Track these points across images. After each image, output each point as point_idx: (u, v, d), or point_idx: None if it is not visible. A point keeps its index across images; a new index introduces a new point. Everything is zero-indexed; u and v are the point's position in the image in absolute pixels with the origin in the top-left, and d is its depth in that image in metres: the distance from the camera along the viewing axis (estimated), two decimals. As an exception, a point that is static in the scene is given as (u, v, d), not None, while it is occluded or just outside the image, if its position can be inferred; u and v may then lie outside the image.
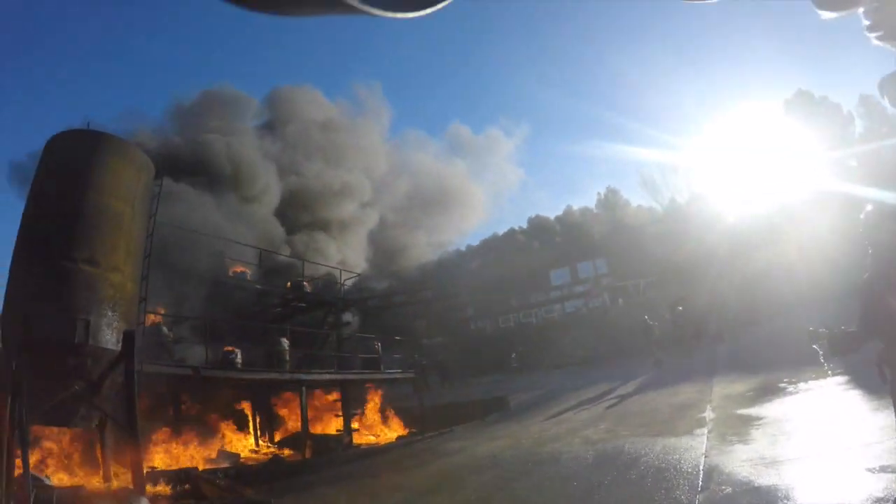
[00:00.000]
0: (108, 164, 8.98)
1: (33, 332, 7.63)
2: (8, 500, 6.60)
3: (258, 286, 16.96)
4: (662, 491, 6.14)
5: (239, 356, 15.29)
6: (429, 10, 0.71)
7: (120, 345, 8.53)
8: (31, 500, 6.86)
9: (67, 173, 8.73)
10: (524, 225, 50.35)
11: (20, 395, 7.16)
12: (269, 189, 28.40)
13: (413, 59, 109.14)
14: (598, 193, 50.50)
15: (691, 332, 20.95)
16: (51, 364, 7.82)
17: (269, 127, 34.84)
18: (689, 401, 12.04)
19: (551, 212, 56.18)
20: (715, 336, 22.08)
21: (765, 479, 5.68)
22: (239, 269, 17.61)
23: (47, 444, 9.33)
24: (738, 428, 8.45)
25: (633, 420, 11.16)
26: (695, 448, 7.73)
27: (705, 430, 8.80)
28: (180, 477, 9.60)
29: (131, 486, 8.07)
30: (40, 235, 8.41)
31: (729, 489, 5.65)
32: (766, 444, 7.05)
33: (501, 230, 51.66)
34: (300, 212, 30.04)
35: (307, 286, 19.00)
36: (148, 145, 22.52)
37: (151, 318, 12.79)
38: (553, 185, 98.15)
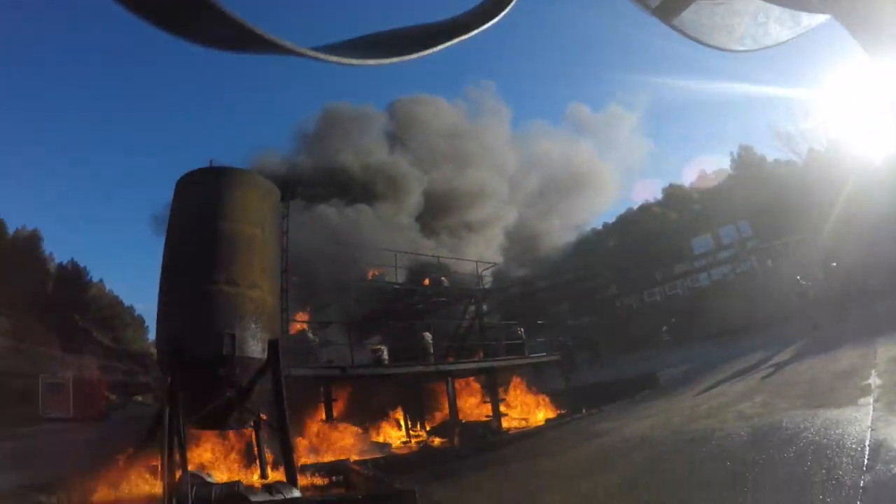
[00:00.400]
0: (234, 193, 9.82)
1: (185, 349, 8.64)
2: (171, 495, 7.56)
3: (396, 286, 17.61)
4: (823, 471, 5.50)
5: (385, 353, 16.15)
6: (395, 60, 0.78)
7: (266, 353, 9.33)
8: (192, 495, 7.78)
9: (200, 206, 9.70)
10: (659, 196, 47.69)
11: (175, 406, 8.27)
12: (408, 198, 29.45)
13: (513, 49, 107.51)
14: (731, 153, 46.15)
15: (849, 291, 18.34)
16: (203, 376, 8.77)
17: (395, 139, 36.03)
18: (852, 366, 10.74)
19: (685, 179, 52.48)
20: (875, 293, 19.17)
21: (941, 456, 4.80)
22: (377, 271, 18.50)
23: (212, 446, 10.54)
24: (906, 395, 7.31)
25: (790, 391, 10.14)
26: (859, 420, 6.84)
27: (871, 400, 7.79)
28: (333, 469, 10.25)
29: (283, 480, 8.81)
30: (183, 264, 9.44)
31: (900, 468, 4.88)
32: (943, 415, 5.98)
33: (636, 204, 49.32)
34: (439, 218, 30.85)
35: (445, 281, 19.46)
36: (278, 172, 24.33)
37: (297, 326, 13.93)
38: (683, 151, 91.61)
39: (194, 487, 7.90)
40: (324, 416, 12.92)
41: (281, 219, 11.30)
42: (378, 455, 12.11)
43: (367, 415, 14.65)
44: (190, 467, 9.39)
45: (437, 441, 14.51)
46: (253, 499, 7.69)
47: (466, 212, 32.11)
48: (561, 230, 40.08)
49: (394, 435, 15.00)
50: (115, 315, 43.86)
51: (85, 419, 24.75)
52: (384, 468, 10.51)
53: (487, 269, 21.13)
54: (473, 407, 17.68)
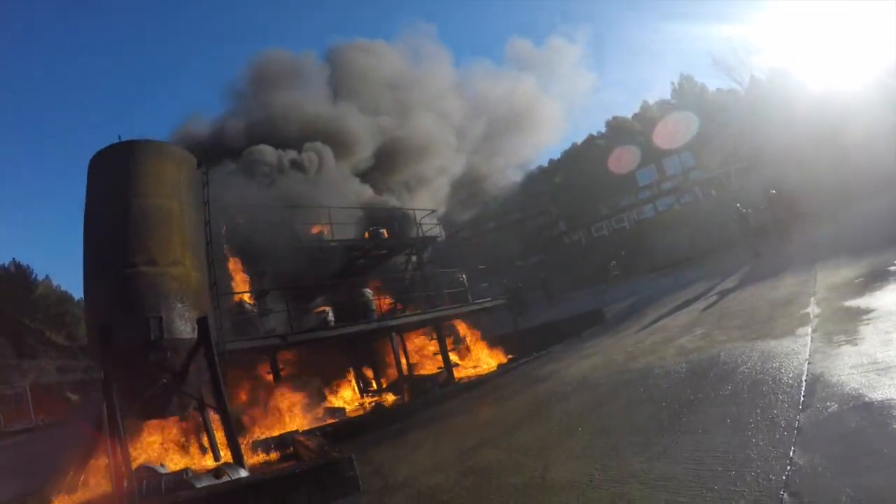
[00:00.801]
0: (144, 166, 9.13)
1: (111, 339, 8.12)
2: (119, 491, 7.34)
3: (332, 242, 17.05)
4: (758, 410, 5.47)
5: (331, 314, 15.81)
6: None
7: (195, 332, 8.87)
8: (144, 488, 7.52)
9: (110, 186, 9.00)
10: (602, 129, 47.86)
11: (111, 399, 7.90)
12: (357, 153, 28.11)
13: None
14: (672, 83, 46.57)
15: (787, 216, 18.93)
16: (135, 364, 8.36)
17: (337, 89, 34.04)
18: (791, 294, 10.97)
19: (628, 111, 52.89)
20: (816, 218, 19.93)
21: (879, 391, 4.83)
22: (316, 229, 17.85)
23: (165, 435, 10.14)
24: (845, 324, 7.44)
25: (730, 322, 10.33)
26: (797, 353, 6.90)
27: (808, 330, 7.86)
28: (282, 442, 10.08)
29: (231, 462, 8.56)
30: (100, 248, 8.82)
31: (835, 406, 4.87)
32: (879, 345, 6.07)
33: (580, 139, 49.44)
34: (388, 173, 29.72)
35: (384, 233, 18.99)
36: (207, 137, 22.79)
37: (236, 298, 13.35)
38: (624, 83, 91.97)
39: (144, 481, 7.64)
40: (271, 387, 12.59)
41: (201, 187, 10.56)
42: (332, 421, 11.94)
43: (323, 380, 14.39)
44: (144, 459, 9.09)
45: (390, 399, 14.45)
46: (198, 485, 7.42)
47: (416, 165, 31.24)
48: (507, 170, 39.85)
49: (348, 397, 14.84)
50: (65, 311, 42.11)
51: (48, 426, 24.22)
52: (333, 434, 10.39)
53: (427, 215, 20.78)
54: (429, 361, 17.67)
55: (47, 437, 22.39)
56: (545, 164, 47.85)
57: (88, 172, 9.50)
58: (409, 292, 18.77)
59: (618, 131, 45.64)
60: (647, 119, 44.73)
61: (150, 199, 8.98)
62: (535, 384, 11.18)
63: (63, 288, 44.51)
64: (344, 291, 16.85)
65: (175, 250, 8.99)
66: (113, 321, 8.27)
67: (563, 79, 52.01)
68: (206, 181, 10.70)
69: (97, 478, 9.15)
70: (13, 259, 41.96)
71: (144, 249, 8.64)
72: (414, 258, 19.87)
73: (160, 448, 9.89)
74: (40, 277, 43.41)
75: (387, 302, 17.94)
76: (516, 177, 41.09)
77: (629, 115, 47.88)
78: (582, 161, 43.41)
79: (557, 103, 44.52)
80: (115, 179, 9.04)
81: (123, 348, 8.20)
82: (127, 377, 8.33)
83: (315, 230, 17.88)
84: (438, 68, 37.46)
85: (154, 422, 9.57)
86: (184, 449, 10.11)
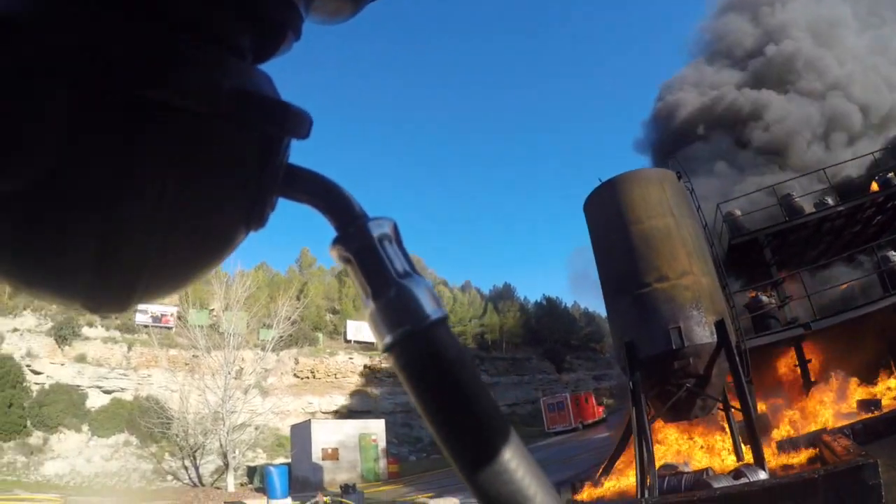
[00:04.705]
0: (630, 196, 10.35)
1: (636, 353, 9.49)
2: (642, 488, 8.47)
3: (840, 208, 14.59)
4: None
5: (856, 290, 13.93)
6: None
7: (715, 336, 9.40)
8: (664, 485, 8.44)
9: (606, 221, 10.64)
10: None
11: (639, 406, 9.22)
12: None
13: None
14: None
15: None
16: (660, 373, 9.49)
17: None
18: None
19: None
20: None
21: None
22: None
23: (690, 435, 10.99)
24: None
25: None
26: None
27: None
28: (808, 442, 9.42)
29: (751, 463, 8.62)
30: (615, 277, 10.46)
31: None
32: None
33: None
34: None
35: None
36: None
37: (750, 293, 13.25)
38: None
39: (665, 478, 8.55)
40: (798, 382, 11.96)
41: (689, 194, 11.17)
42: (865, 416, 10.40)
43: (854, 367, 12.72)
44: (671, 458, 10.20)
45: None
46: (716, 485, 7.83)
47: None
48: None
49: (892, 386, 12.55)
50: (595, 329, 50.63)
51: (585, 427, 30.15)
52: (864, 433, 9.11)
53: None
54: None
55: (583, 437, 27.67)
56: None
57: (585, 212, 11.47)
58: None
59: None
60: None
61: (645, 222, 10.08)
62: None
63: (591, 309, 53.31)
64: (866, 262, 14.49)
65: (681, 262, 9.77)
66: (636, 336, 9.64)
67: None
68: (691, 188, 11.24)
69: (626, 472, 10.39)
70: (543, 294, 52.99)
71: (653, 269, 9.73)
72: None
73: (686, 448, 10.72)
74: (568, 305, 53.17)
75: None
76: None
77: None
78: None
79: None
80: (608, 214, 10.59)
81: (648, 359, 9.44)
82: (653, 385, 9.58)
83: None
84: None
85: (681, 423, 10.49)
86: (709, 449, 10.62)
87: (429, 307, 0.36)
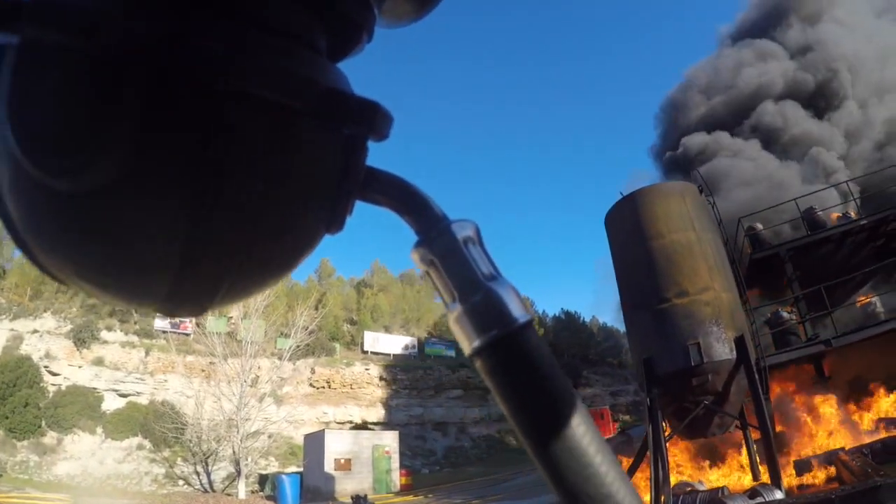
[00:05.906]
0: (651, 210, 10.24)
1: (654, 369, 9.36)
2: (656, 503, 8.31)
3: (862, 221, 13.98)
4: None
5: (878, 304, 13.76)
6: None
7: (734, 352, 9.27)
8: (679, 502, 8.30)
9: (627, 236, 10.52)
10: None
11: (655, 422, 9.06)
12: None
13: None
14: None
15: None
16: (677, 389, 9.33)
17: None
18: None
19: None
20: None
21: None
22: (834, 216, 15.73)
23: (706, 452, 10.79)
24: None
25: None
26: None
27: None
28: (827, 460, 9.21)
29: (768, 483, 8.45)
30: (635, 292, 10.34)
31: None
32: None
33: None
34: None
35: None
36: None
37: (771, 310, 13.07)
38: None
39: (680, 497, 8.40)
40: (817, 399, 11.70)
41: (710, 209, 11.08)
42: (885, 435, 10.16)
43: (879, 386, 12.47)
44: (686, 475, 10.03)
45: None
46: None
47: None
48: None
49: None
50: (613, 344, 50.47)
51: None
52: (883, 452, 8.90)
53: None
54: None
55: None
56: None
57: (606, 226, 11.32)
58: None
59: None
60: None
61: (667, 237, 9.97)
62: None
63: (609, 324, 52.64)
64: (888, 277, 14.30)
65: (702, 277, 9.66)
66: (654, 352, 9.51)
67: None
68: (713, 202, 11.15)
69: (639, 490, 10.31)
70: (562, 308, 52.45)
71: (673, 284, 9.63)
72: None
73: (701, 465, 10.53)
74: (587, 319, 52.73)
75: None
76: None
77: None
78: None
79: None
80: (629, 229, 10.48)
81: (666, 375, 9.30)
82: (670, 401, 9.41)
83: (833, 217, 15.72)
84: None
85: (698, 440, 10.31)
86: (726, 467, 10.45)
87: (516, 310, 0.35)
